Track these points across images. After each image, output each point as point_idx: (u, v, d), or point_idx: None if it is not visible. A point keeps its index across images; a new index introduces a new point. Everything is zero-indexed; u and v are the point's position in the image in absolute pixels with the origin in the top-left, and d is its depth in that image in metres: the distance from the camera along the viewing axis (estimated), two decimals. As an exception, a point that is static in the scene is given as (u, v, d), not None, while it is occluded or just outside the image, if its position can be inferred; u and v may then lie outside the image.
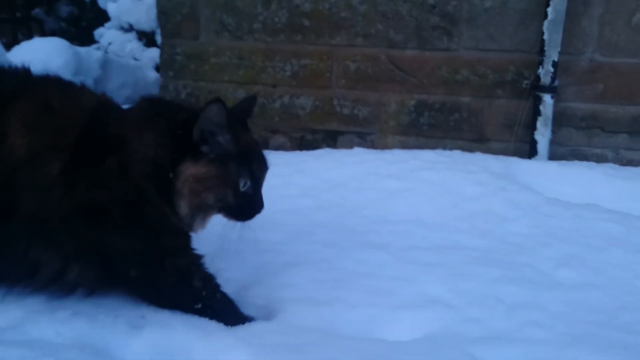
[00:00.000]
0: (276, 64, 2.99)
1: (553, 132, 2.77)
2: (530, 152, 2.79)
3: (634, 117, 2.77)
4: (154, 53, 4.54)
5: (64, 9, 6.75)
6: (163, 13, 3.05)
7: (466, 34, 2.81)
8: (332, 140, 3.02)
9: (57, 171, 1.30)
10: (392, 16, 2.84)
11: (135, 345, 1.29)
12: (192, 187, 1.36)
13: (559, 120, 2.79)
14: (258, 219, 1.50)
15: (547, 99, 2.72)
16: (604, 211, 2.18)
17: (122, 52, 4.93)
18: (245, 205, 1.45)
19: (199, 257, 1.47)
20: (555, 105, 2.74)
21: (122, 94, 3.81)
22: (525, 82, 2.79)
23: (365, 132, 3.00)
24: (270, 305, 1.52)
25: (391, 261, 1.74)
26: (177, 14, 3.02)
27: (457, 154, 2.73)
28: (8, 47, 3.81)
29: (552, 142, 2.79)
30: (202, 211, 1.42)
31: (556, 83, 2.71)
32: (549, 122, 2.74)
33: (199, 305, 1.41)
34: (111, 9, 5.14)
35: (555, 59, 2.68)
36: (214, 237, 1.50)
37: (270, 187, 1.54)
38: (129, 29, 5.09)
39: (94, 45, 5.13)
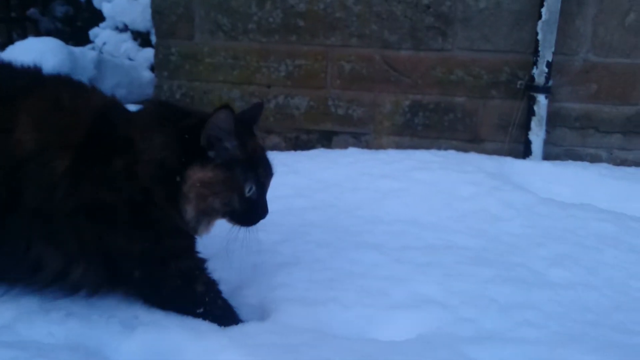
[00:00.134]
0: (271, 64, 2.99)
1: (547, 132, 2.78)
2: (524, 152, 2.79)
3: (627, 117, 2.78)
4: (149, 53, 4.53)
5: (59, 9, 6.74)
6: (157, 13, 3.05)
7: (461, 34, 2.81)
8: (326, 140, 3.03)
9: (63, 168, 1.31)
10: (386, 16, 2.84)
11: (128, 345, 1.29)
12: (199, 191, 1.37)
13: (553, 120, 2.80)
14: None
15: (542, 99, 2.73)
16: (598, 211, 2.19)
17: (117, 52, 4.91)
18: (250, 211, 1.45)
19: (202, 261, 1.48)
20: (549, 106, 2.75)
21: (116, 93, 3.74)
22: (520, 82, 2.79)
23: (360, 132, 3.00)
24: (264, 305, 1.52)
25: (385, 261, 1.74)
26: (171, 14, 3.01)
27: (451, 154, 2.74)
28: (2, 47, 3.80)
29: (547, 142, 2.79)
30: (208, 215, 1.42)
31: (550, 83, 2.72)
32: (543, 122, 2.75)
33: (200, 310, 1.42)
34: (106, 9, 5.13)
35: (550, 59, 2.69)
36: (208, 238, 1.50)
37: (264, 187, 1.54)
38: (124, 29, 5.08)
39: (89, 45, 5.12)
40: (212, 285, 1.46)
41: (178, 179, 1.36)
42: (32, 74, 1.45)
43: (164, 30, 3.06)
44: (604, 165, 2.70)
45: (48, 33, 5.90)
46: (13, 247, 1.33)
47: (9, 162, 1.30)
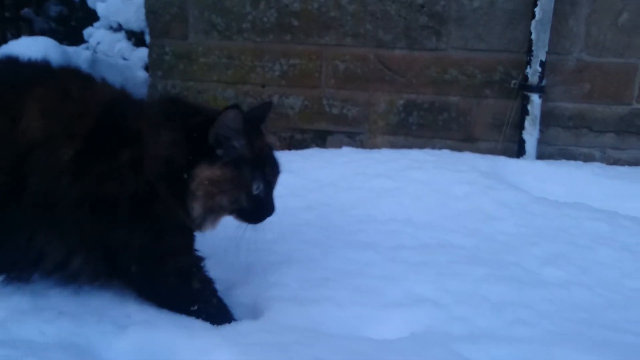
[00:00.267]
0: (265, 63, 2.98)
1: (541, 131, 2.79)
2: (518, 151, 2.80)
3: (620, 116, 2.79)
4: (143, 53, 4.51)
5: (53, 9, 6.72)
6: (151, 12, 3.04)
7: (455, 33, 2.82)
8: (321, 140, 3.02)
9: (68, 157, 1.31)
10: (381, 16, 2.84)
11: (120, 344, 1.28)
12: (207, 189, 1.37)
13: (547, 119, 2.81)
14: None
15: (535, 98, 2.73)
16: (591, 210, 2.19)
17: (111, 52, 4.90)
18: (257, 209, 1.46)
19: (200, 259, 1.47)
20: (543, 105, 2.76)
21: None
22: (514, 81, 2.80)
23: (355, 131, 3.00)
24: (258, 304, 1.52)
25: (379, 260, 1.74)
26: (165, 13, 3.01)
27: (445, 153, 2.74)
28: (-4, 46, 3.78)
29: (540, 142, 2.80)
30: (215, 213, 1.43)
31: (544, 83, 2.73)
32: (537, 122, 2.75)
33: (195, 307, 1.41)
34: (100, 8, 5.11)
35: (543, 59, 2.70)
36: (202, 236, 1.49)
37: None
38: (118, 28, 5.06)
39: (83, 45, 5.10)
40: (208, 284, 1.46)
41: (185, 176, 1.36)
42: (40, 66, 1.46)
43: (158, 30, 3.05)
44: (597, 164, 2.71)
45: (42, 33, 5.88)
46: (17, 236, 1.33)
47: (16, 149, 1.30)
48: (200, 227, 1.43)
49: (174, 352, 1.28)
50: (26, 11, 6.62)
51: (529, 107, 2.75)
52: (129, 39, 5.03)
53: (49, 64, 1.47)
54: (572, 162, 2.71)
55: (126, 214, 1.36)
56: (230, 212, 1.45)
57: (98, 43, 4.94)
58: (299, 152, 2.81)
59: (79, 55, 3.75)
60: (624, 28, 2.71)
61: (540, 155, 2.81)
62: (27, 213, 1.32)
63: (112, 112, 1.39)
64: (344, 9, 2.85)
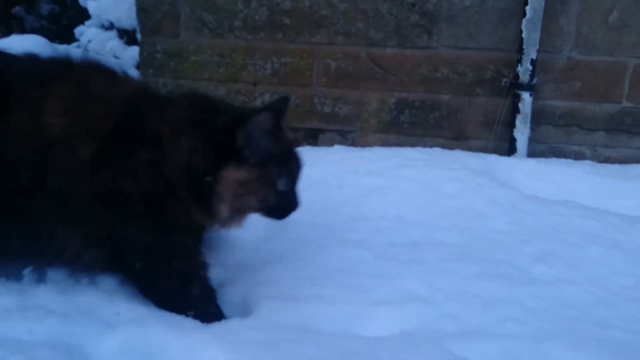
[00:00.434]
0: (257, 61, 2.98)
1: (532, 129, 2.79)
2: (509, 149, 2.80)
3: (610, 114, 2.80)
4: (134, 51, 4.47)
5: (45, 7, 6.67)
6: (142, 10, 3.03)
7: (446, 32, 2.82)
8: (312, 138, 3.02)
9: (87, 155, 1.33)
10: (372, 14, 2.84)
11: (109, 343, 1.28)
12: (235, 191, 1.37)
13: (538, 118, 2.81)
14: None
15: (526, 96, 2.74)
16: (582, 208, 2.20)
17: (102, 50, 4.86)
18: (284, 204, 1.48)
19: (204, 265, 1.48)
20: (533, 103, 2.76)
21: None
22: (504, 80, 2.80)
23: (346, 130, 3.00)
24: (248, 302, 1.52)
25: (369, 258, 1.74)
26: (156, 11, 2.99)
27: (437, 151, 2.74)
28: (-14, 44, 3.75)
29: (531, 140, 2.81)
30: (242, 212, 1.44)
31: (535, 81, 2.73)
32: (528, 120, 2.76)
33: (192, 313, 1.41)
34: (91, 7, 5.07)
35: (534, 57, 2.70)
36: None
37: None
38: (110, 27, 5.02)
39: (75, 44, 5.07)
40: (207, 291, 1.46)
41: (209, 179, 1.36)
42: (62, 61, 1.46)
43: (148, 28, 3.04)
44: (588, 162, 2.72)
45: (33, 31, 5.84)
46: (40, 229, 1.36)
47: (37, 144, 1.32)
48: (226, 226, 1.45)
49: (164, 350, 1.28)
50: (17, 9, 6.57)
51: (519, 106, 2.75)
52: (120, 37, 4.99)
53: (71, 59, 1.47)
54: (562, 160, 2.71)
55: (138, 212, 1.37)
56: (257, 210, 1.46)
57: (89, 41, 4.89)
58: (291, 150, 2.80)
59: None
60: (614, 27, 2.72)
61: (531, 154, 2.81)
62: (49, 207, 1.34)
63: (133, 109, 1.39)
64: (335, 8, 2.85)
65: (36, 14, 6.62)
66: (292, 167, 1.48)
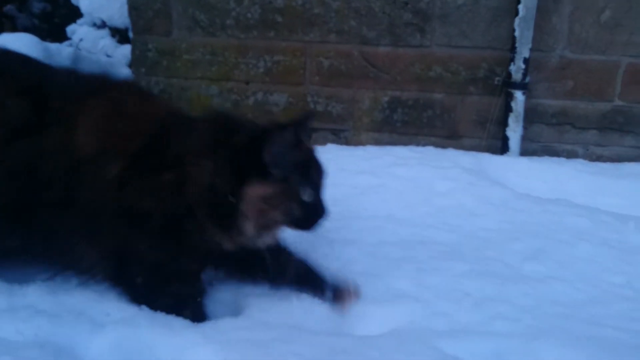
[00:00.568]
0: (249, 60, 2.97)
1: (524, 128, 2.80)
2: (502, 148, 2.81)
3: (602, 113, 2.81)
4: (127, 50, 4.45)
5: (37, 6, 6.64)
6: (134, 9, 3.02)
7: (439, 30, 2.82)
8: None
9: (114, 174, 1.35)
10: (365, 13, 2.83)
11: (98, 343, 1.27)
12: (259, 207, 1.37)
13: (530, 116, 2.82)
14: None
15: (519, 95, 2.74)
16: (573, 206, 2.21)
17: (95, 49, 4.84)
18: (310, 214, 1.45)
19: (202, 291, 1.48)
20: (526, 102, 2.76)
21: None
22: (497, 78, 2.81)
23: (339, 128, 2.99)
24: (238, 300, 1.52)
25: (360, 256, 1.74)
26: (148, 9, 2.98)
27: (429, 150, 2.74)
28: (-23, 43, 3.72)
29: (524, 139, 2.81)
30: (269, 228, 1.43)
31: (527, 80, 2.74)
32: (521, 119, 2.76)
33: None
34: (83, 5, 5.04)
35: (527, 56, 2.71)
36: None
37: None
38: (102, 25, 5.00)
39: (67, 42, 5.05)
40: (199, 317, 1.44)
41: (232, 199, 1.36)
42: (99, 77, 1.51)
43: (140, 26, 3.03)
44: (580, 161, 2.73)
45: (25, 30, 5.81)
46: (65, 242, 1.40)
47: (68, 161, 1.36)
48: (256, 243, 1.44)
49: (153, 350, 1.28)
50: (9, 8, 6.53)
51: (512, 104, 2.75)
52: (113, 36, 4.97)
53: (107, 76, 1.52)
54: (554, 159, 2.72)
55: (154, 230, 1.38)
56: (285, 224, 1.45)
57: (80, 40, 4.88)
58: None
59: (60, 52, 3.71)
60: (606, 25, 2.72)
61: (524, 152, 2.82)
62: (75, 222, 1.37)
63: (161, 131, 1.42)
64: (327, 6, 2.85)
65: (28, 13, 6.59)
66: (313, 176, 1.46)
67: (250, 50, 2.96)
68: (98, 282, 1.45)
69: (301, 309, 1.46)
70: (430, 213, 2.10)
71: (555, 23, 2.75)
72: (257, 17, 2.91)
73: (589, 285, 1.68)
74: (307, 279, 1.56)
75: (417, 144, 2.89)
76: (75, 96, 1.41)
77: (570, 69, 2.78)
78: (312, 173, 1.46)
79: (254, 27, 2.92)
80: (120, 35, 4.88)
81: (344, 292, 1.50)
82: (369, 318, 1.46)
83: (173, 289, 1.43)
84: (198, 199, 1.37)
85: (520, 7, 2.67)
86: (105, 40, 4.86)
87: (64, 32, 5.28)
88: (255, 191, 1.36)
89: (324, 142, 2.92)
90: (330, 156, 2.57)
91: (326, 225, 1.55)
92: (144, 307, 1.40)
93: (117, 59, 4.55)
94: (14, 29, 6.21)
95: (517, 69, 2.72)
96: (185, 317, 1.40)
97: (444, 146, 2.85)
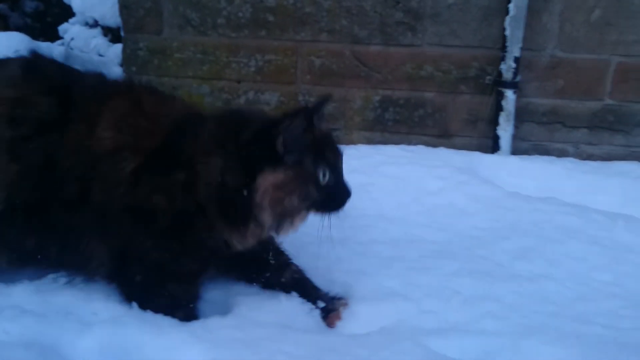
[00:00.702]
0: (240, 59, 2.97)
1: (515, 127, 2.80)
2: (493, 147, 2.81)
3: (593, 112, 2.81)
4: (119, 49, 4.41)
5: (29, 5, 6.61)
6: (125, 7, 3.00)
7: (430, 30, 2.82)
8: (297, 136, 3.01)
9: (129, 171, 1.36)
10: (356, 12, 2.83)
11: (86, 342, 1.27)
12: (273, 196, 1.37)
13: (521, 115, 2.82)
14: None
15: (509, 94, 2.74)
16: (563, 204, 2.21)
17: (87, 48, 4.82)
18: (331, 196, 1.45)
19: (197, 297, 1.47)
20: (517, 101, 2.76)
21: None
22: (488, 77, 2.81)
23: (331, 127, 2.97)
24: (227, 299, 1.52)
25: (350, 255, 1.74)
26: (139, 8, 2.97)
27: (420, 148, 2.74)
28: (-31, 42, 3.71)
29: (515, 137, 2.81)
30: (289, 216, 1.42)
31: (518, 79, 2.74)
32: (511, 118, 2.76)
33: None
34: (75, 4, 5.03)
35: (517, 55, 2.71)
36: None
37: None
38: (94, 24, 4.99)
39: (59, 41, 5.03)
40: (190, 319, 1.43)
41: (245, 192, 1.36)
42: (124, 81, 1.64)
43: (131, 25, 3.01)
44: (570, 159, 2.73)
45: (18, 29, 5.77)
46: (79, 241, 1.41)
47: (87, 157, 1.38)
48: (277, 233, 1.45)
49: (141, 349, 1.27)
50: (1, 7, 6.50)
51: (503, 103, 2.76)
52: (105, 35, 4.95)
53: (132, 80, 1.60)
54: (545, 158, 2.72)
55: (161, 229, 1.39)
56: (307, 209, 1.44)
57: (71, 39, 4.86)
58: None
59: (51, 51, 3.70)
60: (596, 25, 2.73)
61: (515, 151, 2.82)
62: (89, 220, 1.39)
63: (177, 131, 1.43)
64: (319, 5, 2.84)
65: (20, 12, 6.56)
66: (329, 157, 1.44)
67: (241, 49, 2.95)
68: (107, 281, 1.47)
69: (290, 308, 1.46)
70: (420, 212, 2.10)
71: (546, 22, 2.75)
72: (249, 16, 2.90)
73: (578, 283, 1.69)
74: (302, 287, 1.56)
75: (409, 143, 2.89)
76: (99, 96, 1.45)
77: (560, 68, 2.79)
78: (328, 154, 1.44)
79: (245, 26, 2.92)
80: (112, 34, 4.86)
81: (334, 316, 1.49)
82: (358, 317, 1.47)
83: (170, 289, 1.43)
84: (208, 198, 1.37)
85: (511, 6, 2.67)
86: (97, 40, 4.85)
87: (57, 31, 5.27)
88: (268, 180, 1.35)
89: (315, 141, 2.91)
90: (322, 155, 2.60)
91: (316, 223, 1.56)
92: (133, 306, 1.40)
93: (110, 58, 4.54)
94: (6, 27, 6.18)
95: (507, 68, 2.72)
96: (178, 319, 1.40)
97: (435, 145, 2.85)
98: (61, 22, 5.31)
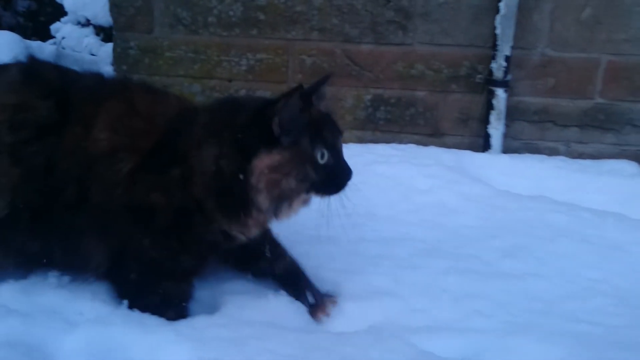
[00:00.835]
0: (232, 58, 2.96)
1: (506, 126, 2.80)
2: (484, 145, 2.81)
3: (584, 111, 2.82)
4: (111, 48, 4.44)
5: (21, 4, 6.59)
6: (116, 6, 2.99)
7: (421, 28, 2.82)
8: (289, 135, 3.00)
9: (127, 171, 1.36)
10: (347, 10, 2.83)
11: (71, 342, 1.26)
12: (269, 178, 1.35)
13: (512, 114, 2.82)
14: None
15: (500, 93, 2.75)
16: (552, 203, 2.21)
17: (79, 47, 4.81)
18: (331, 177, 1.43)
19: (189, 296, 1.47)
20: (508, 100, 2.77)
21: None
22: (479, 76, 2.81)
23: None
24: (215, 298, 1.51)
25: (339, 253, 1.74)
26: (130, 7, 2.96)
27: (411, 147, 2.74)
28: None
29: (506, 136, 2.82)
30: (287, 198, 1.40)
31: (509, 77, 2.74)
32: (502, 116, 2.77)
33: None
34: (67, 3, 5.01)
35: (508, 54, 2.71)
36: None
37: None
38: (86, 23, 4.97)
39: (51, 40, 5.01)
40: (180, 318, 1.42)
41: (241, 176, 1.34)
42: (120, 80, 1.66)
43: (122, 24, 3.00)
44: (561, 158, 2.73)
45: (10, 28, 5.74)
46: (79, 242, 1.41)
47: (84, 158, 1.39)
48: (276, 217, 1.43)
49: (127, 349, 1.27)
50: (-7, 6, 6.48)
51: (494, 102, 2.76)
52: (97, 34, 4.94)
53: (128, 79, 1.59)
54: (535, 156, 2.72)
55: (159, 227, 1.39)
56: (306, 191, 1.42)
57: (62, 38, 4.84)
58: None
59: (42, 50, 3.68)
60: (586, 23, 2.73)
61: (506, 150, 2.82)
62: (89, 221, 1.39)
63: (173, 129, 1.43)
64: (310, 4, 2.84)
65: (13, 11, 6.54)
66: (327, 137, 1.41)
67: (232, 48, 2.94)
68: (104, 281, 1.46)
69: (277, 306, 1.46)
70: (410, 210, 2.10)
71: (536, 21, 2.76)
72: (240, 15, 2.90)
73: (567, 281, 1.69)
74: (294, 279, 1.56)
75: (400, 141, 2.88)
76: (96, 98, 1.45)
77: (551, 66, 2.80)
78: (326, 134, 1.41)
79: (237, 24, 2.91)
80: (104, 33, 4.85)
81: (319, 309, 1.50)
82: (345, 315, 1.47)
83: (164, 287, 1.42)
84: (205, 189, 1.37)
85: (502, 5, 2.67)
86: (89, 39, 4.83)
87: (49, 31, 5.25)
88: (264, 162, 1.34)
89: (307, 140, 2.91)
90: (312, 154, 2.59)
91: (306, 222, 1.56)
92: (120, 305, 1.39)
93: (101, 57, 4.52)
94: None
95: (498, 67, 2.73)
96: (168, 318, 1.39)
97: (426, 144, 2.85)
98: (53, 21, 5.29)
